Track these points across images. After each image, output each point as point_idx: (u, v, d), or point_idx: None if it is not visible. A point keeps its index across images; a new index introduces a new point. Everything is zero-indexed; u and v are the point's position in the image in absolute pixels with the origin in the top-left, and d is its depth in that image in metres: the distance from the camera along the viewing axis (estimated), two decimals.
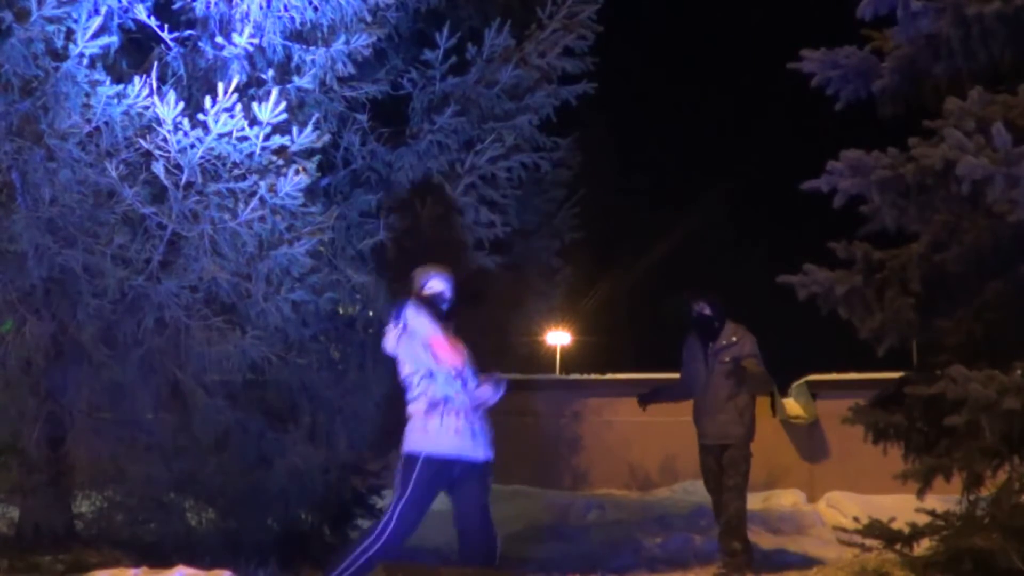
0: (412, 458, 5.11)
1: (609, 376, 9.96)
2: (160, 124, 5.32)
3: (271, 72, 5.79)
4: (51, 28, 5.24)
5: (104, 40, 5.41)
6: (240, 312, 5.75)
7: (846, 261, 5.67)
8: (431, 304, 5.31)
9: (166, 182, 5.41)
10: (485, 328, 7.02)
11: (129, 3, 5.68)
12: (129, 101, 5.32)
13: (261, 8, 5.71)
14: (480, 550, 5.16)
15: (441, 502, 5.28)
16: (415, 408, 5.19)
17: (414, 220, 6.30)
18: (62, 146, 5.30)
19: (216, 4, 5.76)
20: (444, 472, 5.12)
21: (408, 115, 6.57)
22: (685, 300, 6.89)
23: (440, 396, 5.15)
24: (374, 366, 6.38)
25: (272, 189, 5.45)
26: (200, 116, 5.32)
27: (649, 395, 7.21)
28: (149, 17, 5.75)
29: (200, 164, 5.38)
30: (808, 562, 6.85)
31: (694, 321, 6.77)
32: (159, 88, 5.42)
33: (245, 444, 6.10)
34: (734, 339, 6.65)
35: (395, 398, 5.50)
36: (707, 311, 6.73)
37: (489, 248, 6.68)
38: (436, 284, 5.41)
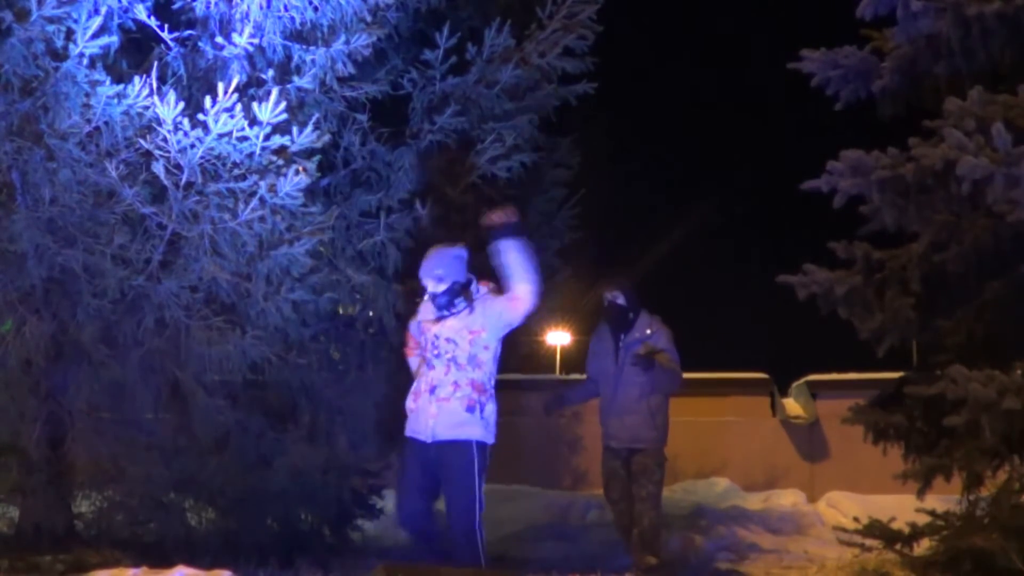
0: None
1: None
2: (160, 124, 5.32)
3: (271, 72, 5.79)
4: (51, 28, 5.24)
5: (104, 40, 5.41)
6: (240, 312, 5.75)
7: (846, 261, 5.68)
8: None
9: (166, 182, 5.41)
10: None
11: (129, 3, 5.68)
12: (129, 101, 5.32)
13: (261, 8, 5.71)
14: (457, 547, 5.08)
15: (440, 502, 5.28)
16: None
17: (414, 220, 6.29)
18: (62, 146, 5.30)
19: (216, 4, 5.76)
20: (416, 451, 5.07)
21: (408, 115, 6.57)
22: (596, 288, 6.43)
23: (414, 375, 5.21)
24: (374, 366, 6.39)
25: (272, 189, 5.45)
26: (200, 116, 5.32)
27: (554, 401, 6.68)
28: (149, 17, 5.74)
29: (200, 164, 5.38)
30: (808, 562, 6.85)
31: (605, 311, 6.27)
32: (159, 88, 5.42)
33: (245, 444, 6.10)
34: (649, 332, 6.21)
35: (395, 398, 5.50)
36: (620, 300, 6.25)
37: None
38: (424, 282, 5.22)
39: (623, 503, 6.24)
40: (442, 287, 5.10)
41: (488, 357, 5.10)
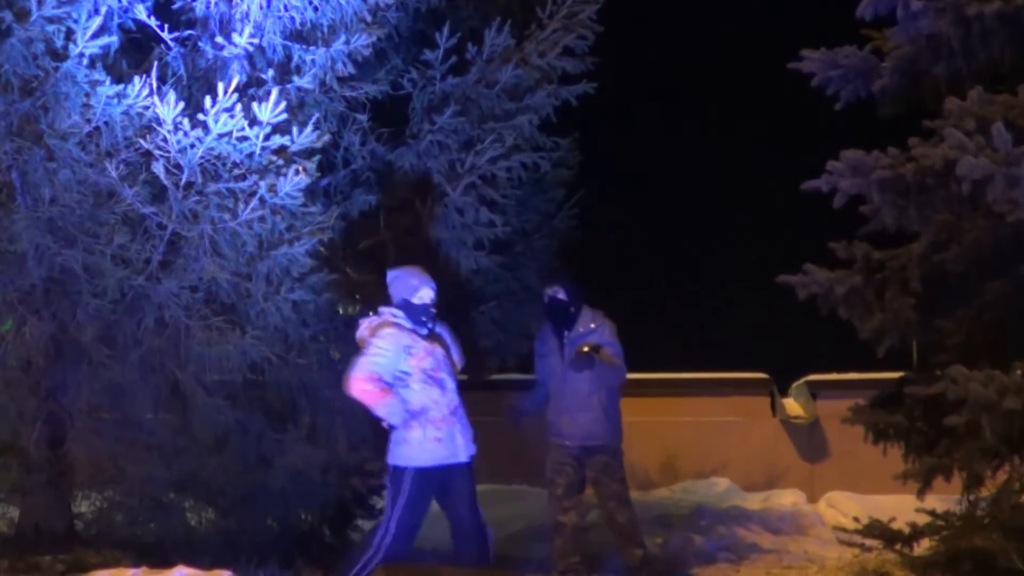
0: (399, 471, 5.20)
1: None
2: (160, 124, 5.32)
3: (271, 72, 5.79)
4: (51, 28, 5.24)
5: (104, 40, 5.42)
6: (240, 312, 5.75)
7: (846, 261, 5.67)
8: (412, 311, 5.35)
9: (166, 182, 5.41)
10: (485, 328, 7.03)
11: (129, 3, 5.68)
12: (129, 101, 5.33)
13: (261, 8, 5.71)
14: (473, 547, 5.21)
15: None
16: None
17: (414, 220, 6.29)
18: (62, 146, 5.30)
19: (216, 4, 5.76)
20: (434, 480, 5.20)
21: (408, 115, 6.57)
22: (537, 287, 6.32)
23: (418, 406, 5.21)
24: None
25: (272, 189, 5.45)
26: (200, 116, 5.33)
27: (516, 411, 6.44)
28: (149, 17, 5.75)
29: (200, 164, 5.38)
30: (808, 562, 6.84)
31: (547, 308, 6.13)
32: (159, 88, 5.42)
33: (245, 444, 6.10)
34: (592, 326, 6.07)
35: None
36: (561, 295, 6.08)
37: (489, 248, 6.67)
38: (426, 294, 5.44)
39: (567, 501, 6.07)
40: (434, 299, 5.44)
41: None
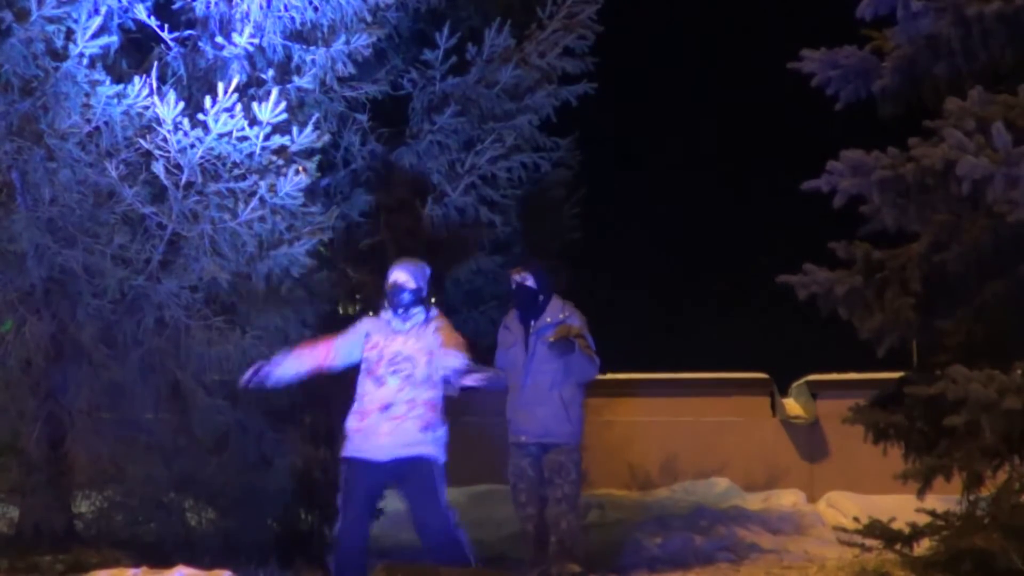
0: (341, 461, 5.16)
1: (609, 376, 9.96)
2: (160, 124, 5.33)
3: (271, 72, 5.79)
4: (51, 28, 5.25)
5: (104, 40, 5.42)
6: (240, 312, 5.75)
7: (846, 261, 5.67)
8: (389, 299, 5.19)
9: (166, 182, 5.42)
10: (485, 328, 7.04)
11: (129, 3, 5.69)
12: (129, 101, 5.33)
13: (261, 8, 5.72)
14: (441, 548, 5.04)
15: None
16: None
17: (414, 220, 6.29)
18: (62, 146, 5.30)
19: (216, 4, 5.77)
20: (362, 472, 5.04)
21: (408, 115, 6.58)
22: (505, 273, 6.02)
23: (358, 394, 5.13)
24: None
25: (272, 189, 5.46)
26: (200, 116, 5.33)
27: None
28: (149, 17, 5.76)
29: (200, 164, 5.39)
30: (808, 562, 6.84)
31: (514, 294, 5.83)
32: (159, 88, 5.43)
33: (245, 444, 6.10)
34: (561, 316, 5.79)
35: None
36: (529, 282, 5.80)
37: (489, 248, 6.67)
38: (396, 275, 5.19)
39: (531, 507, 5.79)
40: (411, 284, 5.13)
41: (439, 379, 5.07)
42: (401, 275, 5.16)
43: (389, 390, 5.04)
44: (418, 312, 5.15)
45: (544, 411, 5.73)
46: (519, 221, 7.00)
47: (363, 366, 5.15)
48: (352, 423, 5.09)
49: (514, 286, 5.86)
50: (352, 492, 5.10)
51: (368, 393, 5.08)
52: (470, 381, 4.92)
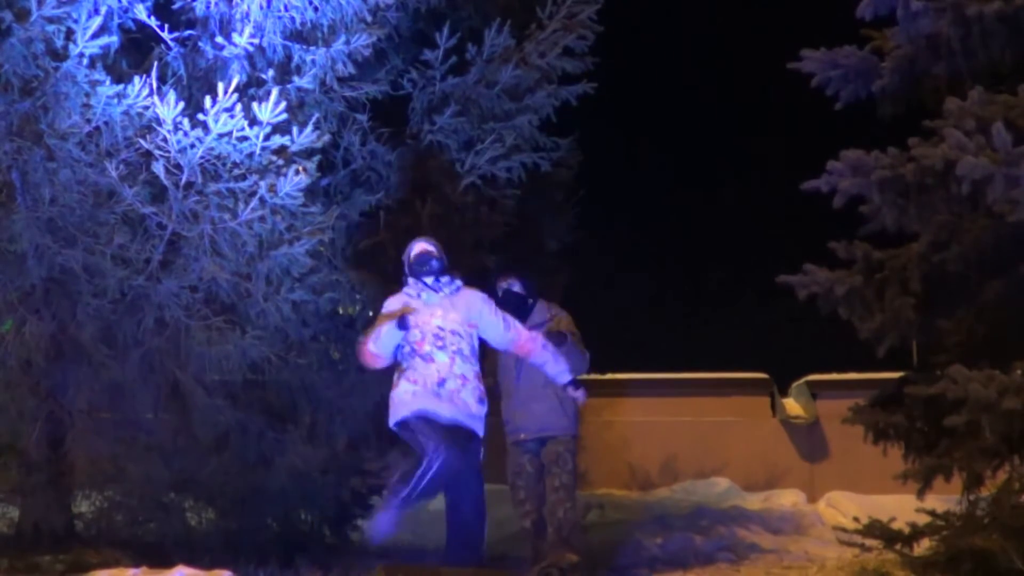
0: (398, 431, 5.19)
1: (609, 376, 9.97)
2: (160, 124, 5.33)
3: (271, 72, 5.79)
4: (51, 28, 5.25)
5: (104, 40, 5.42)
6: (240, 312, 5.76)
7: (846, 261, 5.67)
8: (413, 271, 5.26)
9: (166, 182, 5.42)
10: None
11: (129, 3, 5.69)
12: (129, 101, 5.34)
13: (261, 8, 5.72)
14: (462, 542, 5.10)
15: (439, 501, 5.29)
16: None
17: (414, 220, 6.29)
18: (62, 146, 5.30)
19: (216, 4, 5.76)
20: (426, 421, 5.04)
21: (408, 115, 6.57)
22: (492, 280, 6.08)
23: (403, 368, 5.20)
24: None
25: (272, 189, 5.46)
26: (200, 116, 5.33)
27: None
28: (149, 17, 5.76)
29: (200, 164, 5.39)
30: (808, 562, 6.84)
31: (502, 301, 5.85)
32: (159, 88, 5.43)
33: (245, 444, 6.11)
34: (548, 316, 5.94)
35: None
36: (516, 287, 5.94)
37: (489, 248, 6.67)
38: (419, 245, 5.31)
39: (530, 504, 5.86)
40: (436, 253, 5.25)
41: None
42: (424, 244, 5.28)
43: (441, 366, 5.12)
44: (447, 280, 5.25)
45: (540, 407, 5.83)
46: (519, 221, 7.00)
47: (405, 347, 5.19)
48: (405, 388, 5.11)
49: (501, 293, 5.93)
50: (430, 431, 4.99)
51: (416, 368, 5.13)
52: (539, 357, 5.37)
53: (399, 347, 5.23)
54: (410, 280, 5.31)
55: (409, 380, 5.14)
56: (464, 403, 5.10)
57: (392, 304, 5.30)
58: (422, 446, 5.06)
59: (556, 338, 5.72)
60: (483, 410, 5.17)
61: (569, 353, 5.73)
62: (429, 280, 5.24)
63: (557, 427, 5.86)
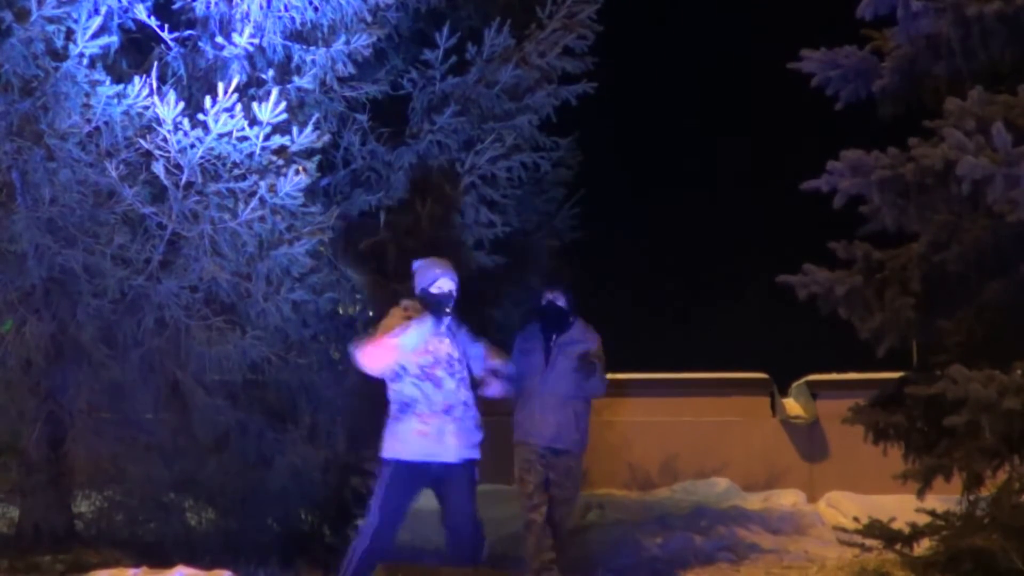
0: (385, 463, 5.16)
1: (609, 376, 9.97)
2: (160, 124, 5.33)
3: (271, 72, 5.79)
4: (51, 28, 5.25)
5: (104, 40, 5.42)
6: (240, 312, 5.76)
7: (846, 261, 5.67)
8: (430, 302, 5.24)
9: (166, 182, 5.41)
10: (485, 328, 7.03)
11: (129, 3, 5.68)
12: (129, 101, 5.33)
13: (261, 8, 5.71)
14: (466, 551, 5.16)
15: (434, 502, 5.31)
16: (390, 411, 5.24)
17: (414, 220, 6.29)
18: (62, 146, 5.30)
19: (216, 4, 5.76)
20: (418, 475, 5.12)
21: (408, 115, 6.57)
22: (537, 289, 6.34)
23: (408, 398, 5.16)
24: None
25: (272, 189, 5.46)
26: (200, 116, 5.33)
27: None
28: (149, 17, 5.75)
29: (200, 164, 5.38)
30: (808, 562, 6.84)
31: (543, 310, 6.09)
32: (159, 88, 5.43)
33: (245, 444, 6.11)
34: (586, 337, 6.12)
35: None
36: (560, 302, 6.10)
37: (489, 248, 6.67)
38: (445, 284, 5.27)
39: (538, 497, 5.94)
40: (456, 291, 5.28)
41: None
42: (448, 283, 5.27)
43: (449, 392, 5.17)
44: (451, 316, 5.33)
45: (556, 419, 5.96)
46: (519, 221, 7.00)
47: (412, 371, 5.18)
48: (411, 425, 5.11)
49: (544, 303, 6.12)
50: (395, 495, 5.12)
51: (427, 395, 5.15)
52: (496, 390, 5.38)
53: (402, 371, 5.19)
54: (424, 305, 5.27)
55: (420, 418, 5.11)
56: (468, 431, 5.20)
57: (393, 323, 5.23)
58: (373, 495, 5.20)
59: (587, 368, 5.94)
60: (481, 436, 5.27)
61: (590, 380, 5.97)
62: (446, 320, 5.28)
63: (568, 441, 6.00)
